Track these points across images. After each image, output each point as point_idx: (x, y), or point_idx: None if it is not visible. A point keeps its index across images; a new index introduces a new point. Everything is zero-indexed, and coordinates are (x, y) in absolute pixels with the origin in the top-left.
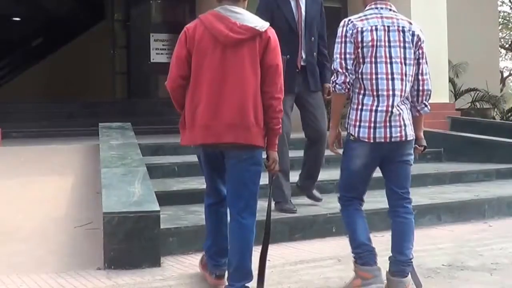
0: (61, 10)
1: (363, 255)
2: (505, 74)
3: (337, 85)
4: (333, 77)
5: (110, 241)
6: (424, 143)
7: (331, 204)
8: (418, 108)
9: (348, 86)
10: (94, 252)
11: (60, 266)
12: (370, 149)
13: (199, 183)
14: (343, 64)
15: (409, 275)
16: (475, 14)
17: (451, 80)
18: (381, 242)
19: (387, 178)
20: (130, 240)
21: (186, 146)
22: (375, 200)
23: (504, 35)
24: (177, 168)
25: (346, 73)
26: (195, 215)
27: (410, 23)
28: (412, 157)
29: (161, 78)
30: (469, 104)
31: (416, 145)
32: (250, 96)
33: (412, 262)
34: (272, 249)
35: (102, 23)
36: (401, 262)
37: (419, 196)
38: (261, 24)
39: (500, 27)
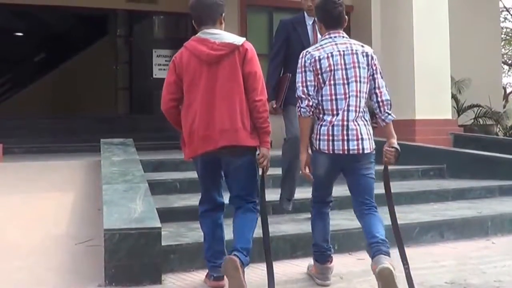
0: (64, 26)
1: (316, 253)
2: (508, 90)
3: (302, 109)
4: (297, 103)
5: (111, 258)
6: (396, 146)
7: (332, 221)
8: (383, 117)
9: (312, 110)
10: (95, 269)
11: (61, 283)
12: (330, 160)
13: None
14: (305, 91)
15: (390, 257)
16: (478, 30)
17: (453, 96)
18: None
19: (350, 189)
20: (131, 257)
21: (189, 161)
22: None
23: (507, 51)
24: (178, 185)
25: (309, 98)
26: (197, 232)
27: (362, 46)
28: (373, 171)
29: None
30: (472, 120)
31: (387, 148)
32: (236, 104)
33: (387, 243)
34: (274, 267)
35: (104, 39)
36: (376, 243)
37: (421, 213)
38: (238, 39)
39: (503, 43)
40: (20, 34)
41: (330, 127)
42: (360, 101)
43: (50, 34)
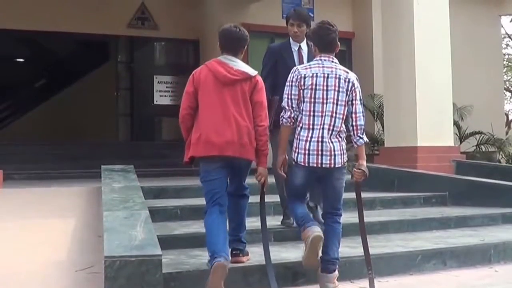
0: (65, 51)
1: (300, 219)
2: (510, 117)
3: (284, 119)
4: (282, 113)
5: (111, 285)
6: (364, 168)
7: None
8: (355, 140)
9: (293, 120)
10: None
11: None
12: (306, 171)
13: (201, 226)
14: (289, 103)
15: (336, 272)
16: (480, 57)
17: (456, 123)
18: None
19: (323, 194)
20: (131, 285)
21: (188, 166)
22: (380, 244)
23: (509, 77)
24: (179, 212)
25: (291, 110)
26: (198, 259)
27: (347, 72)
28: (342, 179)
29: (165, 120)
30: (474, 147)
31: (354, 169)
32: (243, 123)
33: (337, 261)
34: None
35: (106, 65)
36: (326, 261)
37: (423, 241)
38: (251, 70)
39: (505, 70)
40: (21, 60)
41: (307, 143)
42: (335, 120)
43: (51, 60)
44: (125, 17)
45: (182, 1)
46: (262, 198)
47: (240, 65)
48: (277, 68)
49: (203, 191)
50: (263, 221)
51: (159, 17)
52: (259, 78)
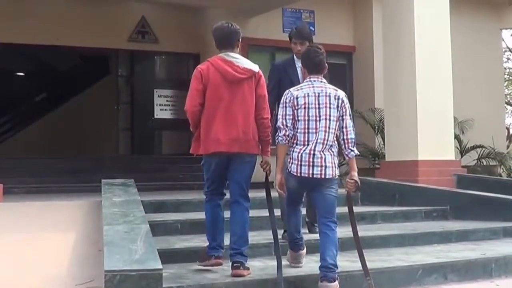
0: (65, 65)
1: (291, 243)
2: (511, 131)
3: (279, 137)
4: (277, 132)
5: None
6: (356, 178)
7: (338, 263)
8: (346, 153)
9: (288, 139)
10: None
11: None
12: (298, 180)
13: (202, 240)
14: (284, 122)
15: (336, 283)
16: (481, 71)
17: (457, 137)
18: None
19: (315, 205)
20: None
21: (194, 156)
22: (380, 258)
23: (510, 91)
24: (180, 226)
25: (286, 129)
26: (198, 274)
27: (336, 90)
28: (334, 190)
29: (165, 134)
30: (475, 161)
31: (347, 180)
32: (249, 119)
33: (336, 268)
34: None
35: (106, 79)
36: (324, 268)
37: (424, 255)
38: (254, 66)
39: (505, 84)
40: (22, 74)
41: (300, 154)
42: (328, 135)
43: (51, 74)
44: (125, 30)
45: (182, 15)
46: (268, 193)
47: (243, 61)
48: (281, 84)
49: (203, 174)
50: (271, 210)
51: (160, 30)
52: (261, 72)
